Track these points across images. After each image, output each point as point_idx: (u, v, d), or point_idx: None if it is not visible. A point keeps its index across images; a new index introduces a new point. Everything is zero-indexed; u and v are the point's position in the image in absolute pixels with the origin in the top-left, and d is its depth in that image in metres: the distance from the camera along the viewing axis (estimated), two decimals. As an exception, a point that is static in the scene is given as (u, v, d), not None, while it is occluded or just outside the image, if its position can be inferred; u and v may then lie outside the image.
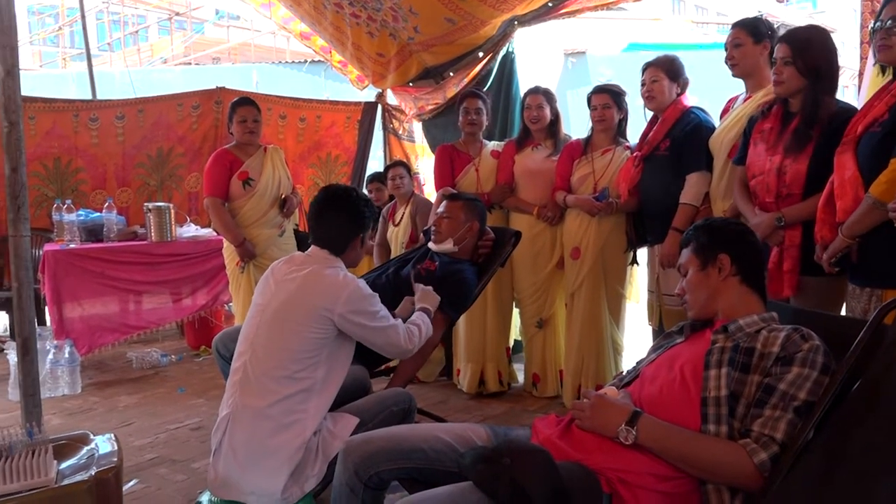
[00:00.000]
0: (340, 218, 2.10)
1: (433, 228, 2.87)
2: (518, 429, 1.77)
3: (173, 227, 4.52)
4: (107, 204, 4.56)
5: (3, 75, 1.94)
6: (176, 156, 5.35)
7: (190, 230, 4.70)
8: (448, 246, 2.81)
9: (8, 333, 4.70)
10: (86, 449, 1.86)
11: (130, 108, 5.17)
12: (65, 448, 1.85)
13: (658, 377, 1.59)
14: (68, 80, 7.89)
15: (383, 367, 2.81)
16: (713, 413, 1.44)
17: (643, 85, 2.99)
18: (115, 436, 1.94)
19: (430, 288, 2.50)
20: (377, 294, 2.09)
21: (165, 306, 4.50)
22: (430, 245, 2.89)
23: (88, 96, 5.54)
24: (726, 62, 2.68)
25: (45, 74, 10.08)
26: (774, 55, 2.33)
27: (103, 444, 1.88)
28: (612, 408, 1.52)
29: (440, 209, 2.93)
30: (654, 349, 1.79)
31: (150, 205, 4.50)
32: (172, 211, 4.54)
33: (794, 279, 2.25)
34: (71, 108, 5.03)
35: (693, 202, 2.81)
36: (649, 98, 2.97)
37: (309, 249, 2.12)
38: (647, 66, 2.98)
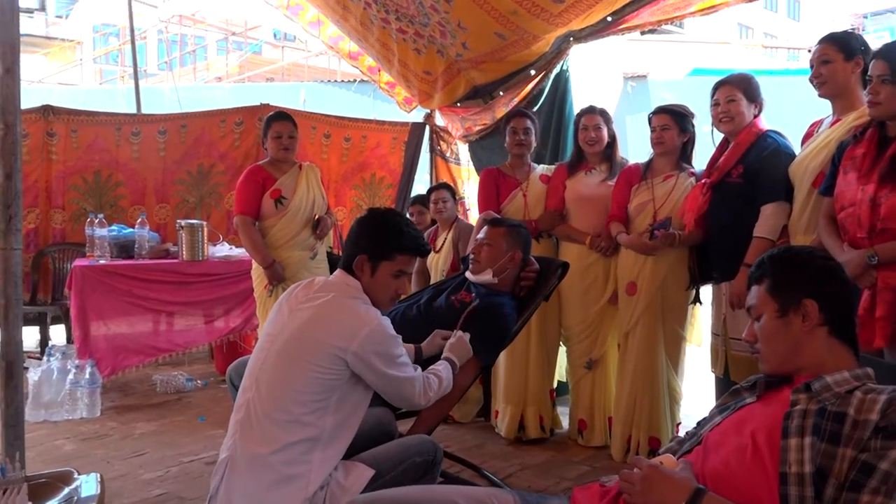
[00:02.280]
0: (359, 233, 1.99)
1: (471, 256, 2.74)
2: (553, 499, 1.55)
3: (205, 245, 4.50)
4: (139, 220, 4.57)
5: (1, 73, 1.84)
6: (217, 173, 5.40)
7: (223, 249, 4.69)
8: (487, 277, 2.69)
9: (38, 350, 4.65)
10: (66, 490, 1.75)
11: (173, 124, 5.25)
12: (44, 488, 1.73)
13: (725, 445, 1.40)
14: (118, 96, 8.09)
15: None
16: (795, 494, 1.24)
17: (716, 105, 2.86)
18: (100, 476, 1.81)
19: (467, 336, 2.36)
20: (400, 336, 1.95)
21: (196, 328, 4.49)
22: (468, 275, 2.77)
23: (133, 110, 5.67)
24: (811, 81, 2.55)
25: (98, 90, 10.40)
26: (869, 73, 2.21)
27: (87, 485, 1.77)
28: (668, 482, 1.32)
29: (480, 235, 2.79)
30: (719, 409, 1.58)
31: (183, 222, 4.49)
32: (205, 229, 4.52)
33: (889, 328, 2.06)
34: (113, 121, 5.13)
35: (769, 236, 2.67)
36: (725, 119, 2.84)
37: (333, 273, 2.01)
38: (721, 85, 2.85)
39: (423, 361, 2.32)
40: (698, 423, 1.63)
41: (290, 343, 1.84)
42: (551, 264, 2.91)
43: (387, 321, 1.90)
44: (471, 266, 2.74)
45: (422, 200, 4.54)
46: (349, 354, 1.80)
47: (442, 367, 2.17)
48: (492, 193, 3.58)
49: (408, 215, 4.50)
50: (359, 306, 1.87)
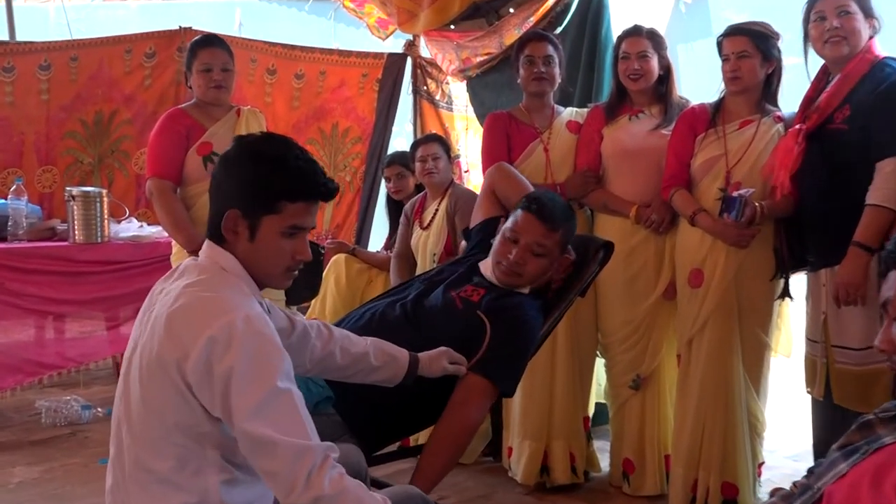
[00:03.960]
0: (224, 177, 1.82)
1: (499, 262, 2.64)
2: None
3: (106, 222, 4.43)
4: (14, 187, 4.46)
5: None
6: (121, 123, 5.31)
7: (130, 228, 4.63)
8: (523, 290, 2.67)
9: None
10: None
11: (60, 55, 5.11)
12: None
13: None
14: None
15: (397, 445, 2.77)
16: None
17: (820, 20, 2.83)
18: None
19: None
20: (287, 357, 1.71)
21: (95, 336, 4.48)
22: (482, 268, 2.71)
23: (4, 37, 5.50)
24: None
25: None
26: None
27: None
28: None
29: (515, 229, 2.65)
30: (843, 452, 1.58)
31: (75, 190, 4.40)
32: (105, 199, 4.45)
33: None
34: (-27, 52, 5.00)
35: (889, 204, 2.67)
36: (835, 40, 2.81)
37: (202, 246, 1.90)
38: None
39: (416, 381, 2.27)
40: (810, 471, 1.63)
41: (140, 369, 1.73)
42: (588, 245, 2.85)
43: (263, 320, 1.70)
44: (497, 273, 2.64)
45: (402, 159, 4.48)
46: (185, 384, 1.66)
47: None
48: (501, 147, 3.55)
49: (384, 182, 4.54)
50: (216, 293, 1.72)
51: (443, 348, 2.35)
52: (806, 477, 1.61)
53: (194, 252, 3.38)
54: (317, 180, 1.82)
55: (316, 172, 1.82)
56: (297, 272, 1.85)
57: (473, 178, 5.14)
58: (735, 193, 3.02)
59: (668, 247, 3.34)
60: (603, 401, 3.80)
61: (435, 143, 4.14)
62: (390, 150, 5.49)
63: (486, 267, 2.70)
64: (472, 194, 4.05)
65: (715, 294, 3.13)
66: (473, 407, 2.29)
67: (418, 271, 3.93)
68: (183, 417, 1.66)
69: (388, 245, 4.46)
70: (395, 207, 4.46)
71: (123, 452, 1.73)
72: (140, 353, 1.73)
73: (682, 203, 3.20)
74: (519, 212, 2.66)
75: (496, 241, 2.68)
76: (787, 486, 1.79)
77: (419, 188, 4.31)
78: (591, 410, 3.72)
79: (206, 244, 1.84)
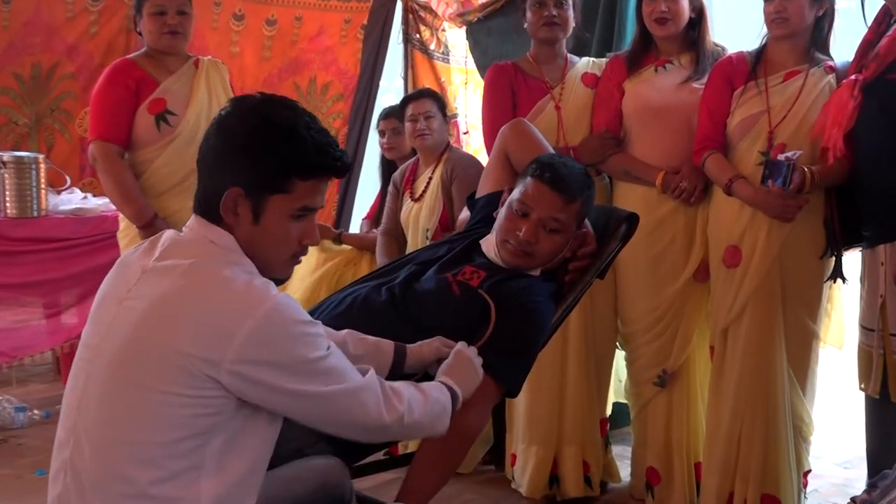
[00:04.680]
0: (222, 148, 1.83)
1: (506, 240, 2.59)
2: None
3: (43, 193, 4.42)
4: None
5: None
6: (63, 78, 5.26)
7: (72, 199, 4.61)
8: (532, 272, 2.63)
9: None
10: None
11: None
12: None
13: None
14: None
15: (384, 453, 2.81)
16: None
17: None
18: None
19: (473, 353, 2.27)
20: (319, 323, 1.83)
21: (30, 326, 4.49)
22: (484, 246, 2.66)
23: None
24: None
25: None
26: None
27: None
28: None
29: (525, 201, 2.59)
30: None
31: (6, 155, 4.41)
32: (43, 166, 4.44)
33: None
34: None
35: None
36: None
37: (187, 223, 1.90)
38: None
39: (402, 376, 2.22)
40: (873, 486, 1.67)
41: (120, 361, 1.73)
42: (609, 218, 2.81)
43: (289, 299, 1.79)
44: (502, 253, 2.59)
45: (397, 113, 4.47)
46: (223, 371, 1.68)
47: (429, 385, 2.09)
48: (505, 105, 3.54)
49: (379, 136, 4.56)
50: (234, 278, 1.75)
51: (437, 338, 2.32)
52: (867, 492, 1.63)
53: (145, 227, 3.52)
54: (333, 154, 1.83)
55: (331, 144, 1.84)
56: (301, 261, 1.92)
57: (473, 140, 5.13)
58: (780, 157, 3.00)
59: (700, 220, 3.33)
60: (623, 400, 3.80)
61: (428, 100, 4.09)
62: (377, 110, 5.39)
63: (490, 245, 2.64)
64: (471, 160, 4.03)
65: (755, 275, 3.11)
66: (472, 409, 2.21)
67: (409, 250, 3.89)
68: (196, 410, 1.69)
69: (373, 217, 4.43)
70: (389, 170, 4.45)
71: (81, 462, 1.73)
72: (114, 346, 1.73)
73: (716, 169, 3.17)
74: (528, 180, 2.58)
75: (501, 214, 2.61)
76: (839, 500, 1.76)
77: (413, 152, 4.29)
78: (609, 411, 3.71)
79: (196, 221, 1.84)
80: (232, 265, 1.77)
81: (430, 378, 2.20)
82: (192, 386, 1.68)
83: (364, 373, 1.88)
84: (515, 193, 2.60)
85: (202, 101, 3.62)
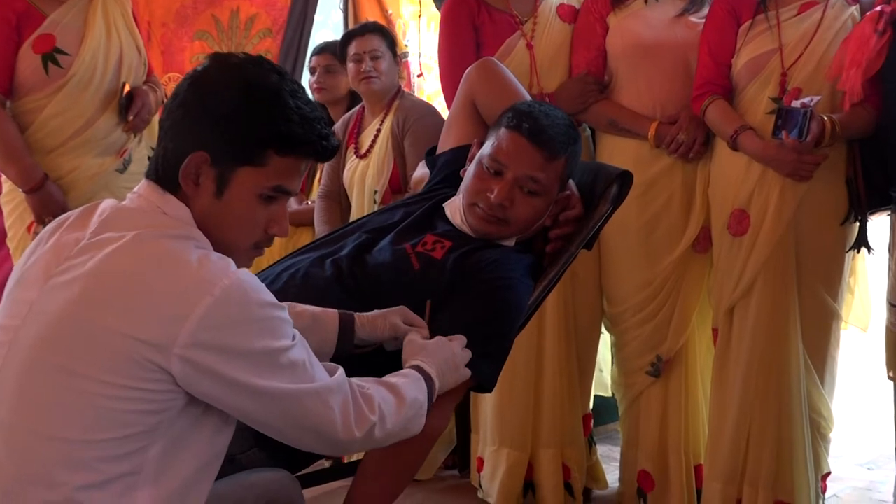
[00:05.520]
0: (191, 104, 1.86)
1: (474, 203, 2.58)
2: None
3: None
4: None
5: None
6: None
7: None
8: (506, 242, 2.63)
9: None
10: None
11: None
12: None
13: None
14: None
15: (328, 461, 2.85)
16: None
17: None
18: None
19: (459, 344, 2.25)
20: (285, 304, 1.86)
21: None
22: (448, 211, 2.65)
23: None
24: None
25: None
26: None
27: None
28: None
29: (498, 157, 2.56)
30: None
31: None
32: None
33: None
34: None
35: None
36: None
37: (135, 188, 1.93)
38: None
39: (350, 357, 2.21)
40: None
41: (46, 343, 1.73)
42: (596, 177, 2.79)
43: (251, 276, 1.81)
44: (470, 219, 2.58)
45: (333, 49, 4.48)
46: (173, 357, 1.68)
47: (405, 380, 2.08)
48: (466, 41, 3.55)
49: (307, 76, 4.70)
50: (187, 250, 1.77)
51: (399, 307, 2.32)
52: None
53: (32, 191, 3.53)
54: (319, 130, 1.87)
55: (318, 119, 1.89)
56: (263, 252, 1.96)
57: (428, 85, 5.12)
58: (794, 103, 3.01)
59: (701, 179, 3.34)
60: (608, 393, 3.84)
61: (375, 36, 4.09)
62: (311, 49, 5.31)
63: (455, 209, 2.62)
64: (427, 108, 4.07)
65: (765, 244, 3.13)
66: (435, 406, 2.17)
67: (353, 216, 3.91)
68: (131, 404, 1.69)
69: (304, 183, 4.39)
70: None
71: None
72: (40, 327, 1.74)
73: (719, 118, 3.18)
74: (502, 131, 2.55)
75: (470, 172, 2.58)
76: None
77: (353, 98, 4.30)
78: (592, 404, 3.74)
79: (147, 187, 1.86)
80: (184, 238, 1.79)
81: (383, 355, 2.23)
82: (134, 376, 1.68)
83: (332, 372, 1.89)
84: (486, 148, 2.57)
85: (99, 36, 3.58)
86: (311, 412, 1.84)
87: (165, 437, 1.74)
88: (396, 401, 1.98)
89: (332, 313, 2.25)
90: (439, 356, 2.20)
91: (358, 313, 2.29)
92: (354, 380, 1.94)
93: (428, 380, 2.11)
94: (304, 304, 2.23)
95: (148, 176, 1.88)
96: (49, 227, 1.93)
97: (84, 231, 1.82)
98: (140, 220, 1.82)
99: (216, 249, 1.84)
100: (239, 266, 1.85)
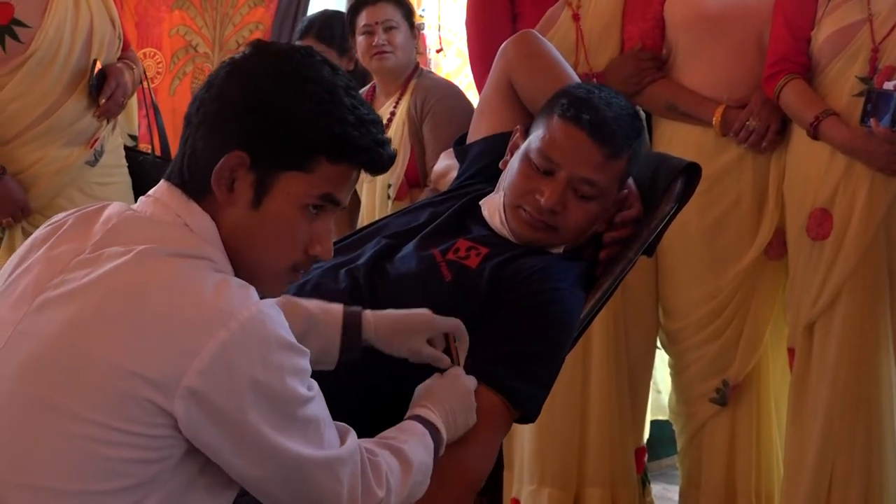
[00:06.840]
0: (232, 97, 1.82)
1: (518, 206, 2.51)
2: None
3: None
4: None
5: None
6: None
7: None
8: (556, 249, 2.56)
9: None
10: None
11: None
12: None
13: None
14: None
15: None
16: None
17: None
18: None
19: (472, 383, 2.22)
20: (307, 351, 1.80)
21: None
22: (485, 211, 2.57)
23: None
24: None
25: None
26: None
27: None
28: None
29: (549, 153, 2.49)
30: None
31: None
32: None
33: None
34: None
35: None
36: None
37: (150, 192, 1.88)
38: None
39: (357, 359, 2.22)
40: None
41: (30, 373, 1.70)
42: (657, 170, 2.73)
43: (275, 310, 1.75)
44: (515, 221, 2.51)
45: (324, 30, 4.53)
46: (177, 397, 1.64)
47: (410, 441, 2.06)
48: (500, 12, 3.61)
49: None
50: (199, 274, 1.74)
51: (422, 311, 2.27)
52: None
53: None
54: (375, 136, 1.83)
55: (376, 123, 1.84)
56: (300, 278, 1.96)
57: (449, 63, 5.18)
58: (887, 85, 3.01)
59: (775, 174, 3.36)
60: (665, 419, 3.91)
61: (389, 5, 4.08)
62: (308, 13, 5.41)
63: (493, 210, 2.53)
64: (449, 88, 4.12)
65: (852, 250, 3.14)
66: (474, 444, 2.16)
67: (363, 215, 4.00)
68: (123, 451, 1.66)
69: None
70: None
71: None
72: (22, 354, 1.71)
73: (797, 101, 3.19)
74: (555, 121, 2.45)
75: (513, 167, 2.49)
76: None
77: (363, 77, 4.26)
78: (647, 436, 3.78)
79: (169, 192, 1.82)
80: (200, 258, 1.78)
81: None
82: (130, 418, 1.64)
83: (343, 435, 1.86)
84: (534, 140, 2.46)
85: (66, 7, 3.60)
86: (318, 484, 1.82)
87: (159, 494, 1.72)
88: (403, 469, 1.98)
89: (335, 313, 2.21)
90: (449, 400, 2.19)
91: (367, 311, 2.23)
92: (362, 443, 1.91)
93: (434, 432, 2.10)
94: (298, 299, 2.22)
95: (169, 179, 1.84)
96: (40, 232, 1.89)
97: (85, 242, 1.79)
98: (155, 233, 1.80)
99: (243, 273, 1.82)
100: (269, 294, 1.84)
